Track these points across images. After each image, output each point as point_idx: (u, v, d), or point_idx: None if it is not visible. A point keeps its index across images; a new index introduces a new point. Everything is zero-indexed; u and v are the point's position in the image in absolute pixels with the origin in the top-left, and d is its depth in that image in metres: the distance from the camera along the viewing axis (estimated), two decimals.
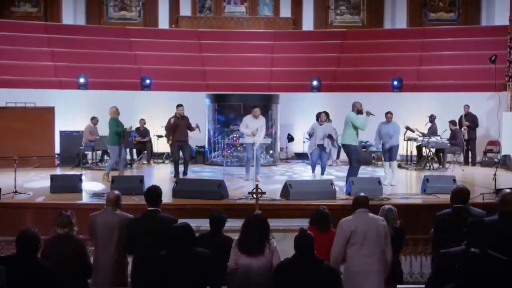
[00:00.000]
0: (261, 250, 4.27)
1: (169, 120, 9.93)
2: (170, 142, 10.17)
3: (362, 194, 4.96)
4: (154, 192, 4.87)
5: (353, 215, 4.68)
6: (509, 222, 4.26)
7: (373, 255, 4.51)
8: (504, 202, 4.40)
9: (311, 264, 3.77)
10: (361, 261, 4.48)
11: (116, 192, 5.15)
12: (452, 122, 11.96)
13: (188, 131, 9.98)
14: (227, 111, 13.02)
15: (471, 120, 12.39)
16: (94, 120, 12.14)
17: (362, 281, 4.46)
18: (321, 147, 9.74)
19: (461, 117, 12.42)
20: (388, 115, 9.61)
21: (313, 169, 9.95)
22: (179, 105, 10.00)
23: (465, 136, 12.21)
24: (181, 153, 10.11)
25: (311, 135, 10.00)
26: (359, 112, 8.79)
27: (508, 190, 4.58)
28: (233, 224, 6.33)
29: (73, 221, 4.38)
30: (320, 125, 9.85)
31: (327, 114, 10.21)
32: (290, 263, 3.82)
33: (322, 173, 9.90)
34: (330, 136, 9.83)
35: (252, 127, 9.65)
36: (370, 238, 4.52)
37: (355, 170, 8.79)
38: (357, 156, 8.96)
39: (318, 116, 9.98)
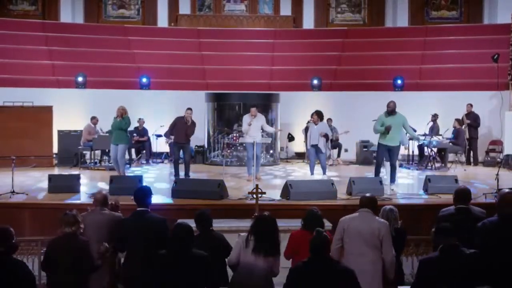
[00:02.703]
0: (273, 253, 4.29)
1: (175, 119, 9.97)
2: (169, 142, 10.11)
3: (368, 194, 4.93)
4: (142, 193, 4.88)
5: (353, 214, 4.68)
6: (510, 222, 4.20)
7: (365, 256, 4.45)
8: (505, 203, 4.32)
9: (326, 265, 3.75)
10: (352, 260, 4.43)
11: (104, 192, 5.29)
12: (457, 121, 11.90)
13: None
14: (227, 110, 12.92)
15: (473, 119, 12.31)
16: (94, 120, 12.07)
17: None
18: (316, 147, 9.62)
19: (463, 116, 12.34)
20: None
21: (312, 171, 9.79)
22: (187, 109, 9.89)
23: (466, 135, 12.13)
24: (181, 153, 10.03)
25: (306, 130, 9.92)
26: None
27: (507, 190, 4.54)
28: (233, 224, 6.28)
29: (79, 220, 4.45)
30: (316, 124, 9.70)
31: (319, 114, 9.93)
32: (305, 265, 3.80)
33: (324, 173, 9.79)
34: (326, 136, 9.71)
35: (252, 125, 9.71)
36: (363, 238, 4.48)
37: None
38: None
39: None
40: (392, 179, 8.93)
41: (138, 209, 4.80)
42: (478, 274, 3.76)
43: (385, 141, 8.88)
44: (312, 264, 3.76)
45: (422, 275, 3.90)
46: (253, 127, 9.69)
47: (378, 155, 9.20)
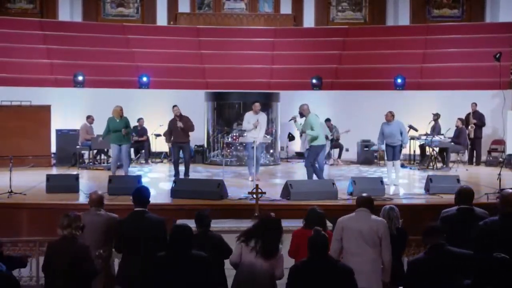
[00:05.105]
0: (276, 255, 4.25)
1: (168, 123, 9.81)
2: (169, 144, 10.00)
3: (364, 194, 4.94)
4: (141, 193, 4.81)
5: (350, 214, 4.69)
6: (510, 222, 4.22)
7: (365, 255, 4.46)
8: (506, 203, 4.34)
9: (325, 264, 3.77)
10: (351, 260, 4.43)
11: (99, 192, 5.19)
12: (460, 120, 11.84)
13: (189, 132, 9.76)
14: (227, 109, 12.84)
15: (478, 118, 12.25)
16: (89, 119, 12.00)
17: None
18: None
19: (468, 115, 12.29)
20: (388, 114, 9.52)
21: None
22: (173, 106, 9.81)
23: (471, 135, 12.07)
24: (181, 153, 9.93)
25: (301, 134, 9.86)
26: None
27: (510, 190, 4.52)
28: (233, 225, 6.22)
29: (73, 224, 4.30)
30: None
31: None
32: (304, 265, 3.82)
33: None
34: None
35: (254, 122, 9.61)
36: (361, 238, 4.49)
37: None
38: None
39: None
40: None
41: (136, 209, 4.73)
42: (466, 272, 3.75)
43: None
44: (312, 263, 3.78)
45: (411, 275, 4.01)
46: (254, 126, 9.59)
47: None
